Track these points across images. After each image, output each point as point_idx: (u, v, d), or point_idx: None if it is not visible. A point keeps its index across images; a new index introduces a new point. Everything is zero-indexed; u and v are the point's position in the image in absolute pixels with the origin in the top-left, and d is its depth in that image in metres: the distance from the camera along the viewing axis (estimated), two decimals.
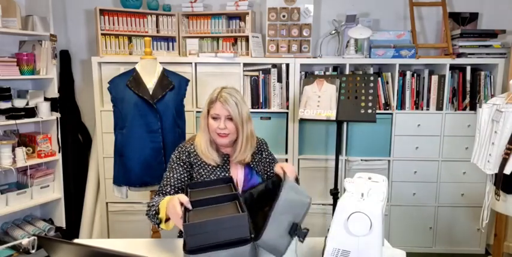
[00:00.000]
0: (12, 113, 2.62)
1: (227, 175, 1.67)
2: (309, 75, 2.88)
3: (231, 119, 1.63)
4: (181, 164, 1.68)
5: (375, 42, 2.90)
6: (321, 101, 2.59)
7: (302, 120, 2.73)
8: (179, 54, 3.09)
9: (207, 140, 1.67)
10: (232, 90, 1.67)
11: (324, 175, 2.96)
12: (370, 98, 2.52)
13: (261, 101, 2.93)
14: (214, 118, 1.64)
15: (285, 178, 1.40)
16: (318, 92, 2.61)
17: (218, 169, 1.68)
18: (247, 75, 2.91)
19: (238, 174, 1.71)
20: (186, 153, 1.69)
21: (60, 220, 2.96)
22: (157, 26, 3.06)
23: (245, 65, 2.89)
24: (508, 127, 2.09)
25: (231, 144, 1.70)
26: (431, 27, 3.17)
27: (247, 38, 2.97)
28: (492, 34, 2.90)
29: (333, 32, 3.03)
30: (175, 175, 1.66)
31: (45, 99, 2.85)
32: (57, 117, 2.87)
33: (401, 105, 2.91)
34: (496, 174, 2.16)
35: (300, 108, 2.65)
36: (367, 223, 1.09)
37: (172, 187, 1.64)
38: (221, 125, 1.62)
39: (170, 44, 3.11)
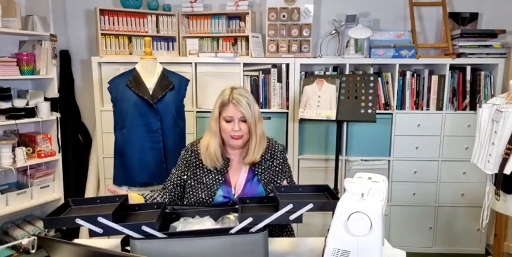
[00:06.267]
0: (12, 113, 2.62)
1: (221, 178, 1.67)
2: (309, 75, 2.89)
3: (244, 120, 1.62)
4: (184, 162, 1.72)
5: (375, 42, 2.90)
6: (321, 101, 2.59)
7: (302, 120, 2.73)
8: (179, 54, 3.09)
9: (218, 143, 1.66)
10: (242, 91, 1.66)
11: (324, 175, 2.96)
12: (370, 98, 2.52)
13: (261, 101, 2.93)
14: (227, 121, 1.63)
15: None
16: (318, 92, 2.61)
17: (215, 171, 1.68)
18: (247, 75, 2.91)
19: (239, 178, 1.69)
20: (190, 151, 1.73)
21: None
22: (157, 26, 3.06)
23: (245, 65, 2.89)
24: (508, 127, 2.09)
25: (243, 146, 1.69)
26: (431, 27, 3.17)
27: (247, 38, 2.97)
28: (492, 34, 2.90)
29: (333, 32, 3.03)
30: (177, 172, 1.72)
31: (45, 99, 2.85)
32: (57, 117, 2.87)
33: (401, 105, 2.91)
34: (496, 174, 2.16)
35: (300, 108, 2.65)
36: (367, 223, 1.09)
37: (172, 183, 1.72)
38: (235, 127, 1.61)
39: (170, 44, 3.10)
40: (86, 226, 1.19)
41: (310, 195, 1.41)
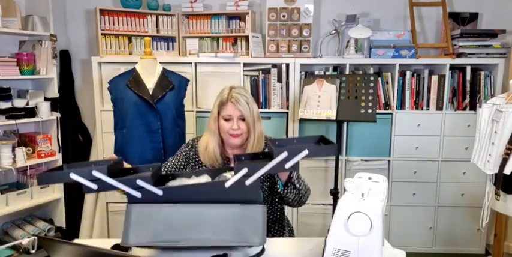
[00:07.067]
0: (12, 113, 2.62)
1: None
2: (309, 75, 2.89)
3: (243, 119, 1.63)
4: (184, 154, 1.75)
5: (375, 42, 2.90)
6: (321, 101, 2.59)
7: (302, 120, 2.73)
8: (179, 54, 3.09)
9: (217, 142, 1.67)
10: (241, 90, 1.67)
11: (324, 175, 2.96)
12: (370, 98, 2.52)
13: (261, 101, 2.93)
14: (226, 119, 1.64)
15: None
16: (318, 92, 2.61)
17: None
18: (247, 75, 2.91)
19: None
20: (191, 146, 1.75)
21: (60, 220, 2.96)
22: (157, 26, 3.06)
23: (245, 65, 2.89)
24: (508, 127, 2.09)
25: (241, 144, 1.69)
26: (431, 27, 3.17)
27: (247, 38, 2.97)
28: (492, 34, 2.90)
29: (333, 32, 3.03)
30: (173, 161, 1.74)
31: (45, 99, 2.85)
32: (57, 117, 2.87)
33: (401, 105, 2.91)
34: (496, 174, 2.16)
35: (300, 108, 2.65)
36: (367, 223, 1.09)
37: (167, 169, 1.72)
38: (234, 126, 1.62)
39: (170, 44, 3.10)
40: (80, 180, 1.14)
41: (306, 145, 1.40)
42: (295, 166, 1.21)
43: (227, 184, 1.19)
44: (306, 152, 1.19)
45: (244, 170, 1.18)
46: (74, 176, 1.14)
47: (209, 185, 1.24)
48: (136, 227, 1.17)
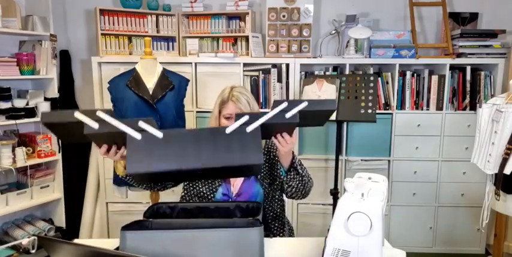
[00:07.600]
0: (12, 113, 2.63)
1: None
2: (309, 75, 2.89)
3: None
4: None
5: (375, 42, 2.90)
6: None
7: None
8: (179, 54, 3.09)
9: None
10: (242, 89, 1.68)
11: (324, 175, 2.96)
12: (370, 98, 2.52)
13: (261, 101, 2.93)
14: (227, 118, 1.65)
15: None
16: (318, 92, 2.61)
17: None
18: (247, 75, 2.91)
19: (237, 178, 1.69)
20: None
21: (60, 220, 2.96)
22: (157, 26, 3.06)
23: (245, 65, 2.89)
24: (508, 127, 2.09)
25: None
26: (431, 27, 3.17)
27: (247, 38, 2.97)
28: (492, 34, 2.90)
29: (333, 32, 3.03)
30: None
31: (45, 99, 2.86)
32: None
33: (401, 105, 2.91)
34: (496, 174, 2.16)
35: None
36: (367, 223, 1.09)
37: None
38: None
39: (170, 44, 3.10)
40: (82, 119, 1.12)
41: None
42: (295, 117, 1.21)
43: (228, 130, 1.18)
44: (305, 103, 1.20)
45: (246, 118, 1.17)
46: (78, 115, 1.12)
47: (210, 130, 1.24)
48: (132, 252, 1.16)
